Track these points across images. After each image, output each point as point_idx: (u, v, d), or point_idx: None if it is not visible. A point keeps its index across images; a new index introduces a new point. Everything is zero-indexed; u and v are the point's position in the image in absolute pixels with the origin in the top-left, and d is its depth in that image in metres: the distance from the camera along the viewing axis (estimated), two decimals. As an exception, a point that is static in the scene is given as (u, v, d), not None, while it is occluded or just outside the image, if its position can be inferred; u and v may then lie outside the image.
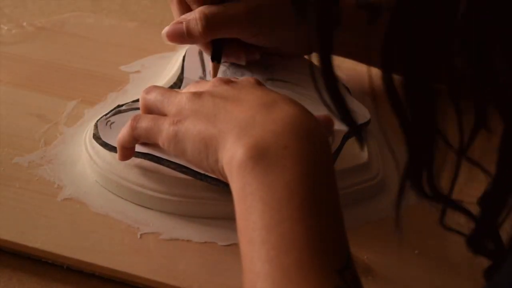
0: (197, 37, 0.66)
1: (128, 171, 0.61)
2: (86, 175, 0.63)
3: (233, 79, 0.60)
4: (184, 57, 0.73)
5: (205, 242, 0.59)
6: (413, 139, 0.45)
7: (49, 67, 0.77)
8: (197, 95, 0.57)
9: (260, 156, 0.50)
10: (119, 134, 0.60)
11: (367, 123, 0.68)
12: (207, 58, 0.73)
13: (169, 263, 0.57)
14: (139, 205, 0.61)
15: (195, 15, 0.66)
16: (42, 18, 0.85)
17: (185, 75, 0.71)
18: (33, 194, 0.62)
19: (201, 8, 0.66)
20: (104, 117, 0.65)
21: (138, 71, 0.77)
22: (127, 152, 0.60)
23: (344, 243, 0.50)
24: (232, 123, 0.53)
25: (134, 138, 0.59)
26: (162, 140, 0.57)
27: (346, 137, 0.65)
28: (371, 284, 0.57)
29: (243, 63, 0.72)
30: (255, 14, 0.67)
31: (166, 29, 0.67)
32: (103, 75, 0.76)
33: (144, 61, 0.79)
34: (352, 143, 0.65)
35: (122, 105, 0.67)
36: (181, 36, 0.66)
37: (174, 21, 0.67)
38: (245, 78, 0.60)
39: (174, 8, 0.69)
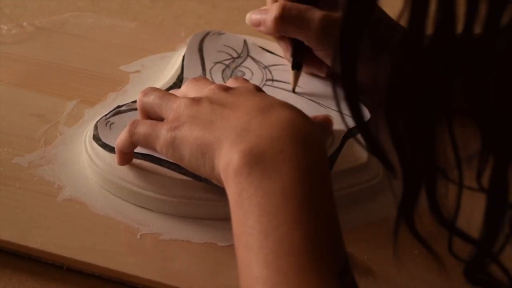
0: (268, 26, 0.67)
1: (128, 172, 0.61)
2: (86, 175, 0.63)
3: (232, 86, 0.59)
4: (184, 57, 0.73)
5: (205, 243, 0.59)
6: (412, 175, 0.46)
7: (49, 67, 0.77)
8: (196, 101, 0.56)
9: (255, 162, 0.50)
10: (117, 140, 0.60)
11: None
12: (207, 58, 0.73)
13: (168, 263, 0.57)
14: (139, 206, 0.61)
15: (275, 5, 0.67)
16: (42, 18, 0.85)
17: (185, 75, 0.71)
18: (33, 194, 0.62)
19: (284, 1, 0.67)
20: (104, 117, 0.65)
21: (138, 71, 0.77)
22: (126, 157, 0.60)
23: (342, 247, 0.50)
24: (228, 130, 0.53)
25: (132, 143, 0.59)
26: (159, 146, 0.57)
27: (346, 137, 0.65)
28: (371, 284, 0.57)
29: (323, 74, 0.71)
30: (330, 26, 0.66)
31: (252, 12, 0.70)
32: (103, 75, 0.76)
33: (144, 61, 0.79)
34: (352, 143, 0.65)
35: (122, 106, 0.67)
36: (258, 22, 0.69)
37: (262, 7, 0.69)
38: (245, 85, 0.60)
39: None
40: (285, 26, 0.67)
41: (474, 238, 0.47)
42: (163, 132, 0.56)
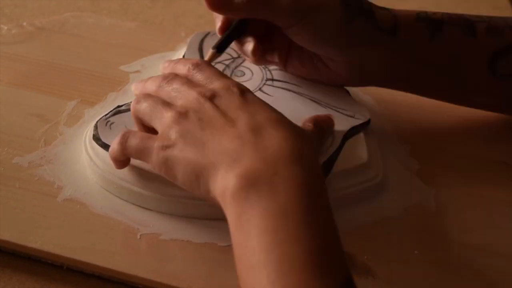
0: (238, 8, 0.64)
1: (128, 172, 0.61)
2: (86, 175, 0.63)
3: (215, 89, 0.58)
4: (183, 57, 0.73)
5: (205, 243, 0.59)
6: None
7: (49, 67, 0.77)
8: (183, 115, 0.56)
9: (252, 184, 0.51)
10: (110, 148, 0.60)
11: (367, 123, 0.68)
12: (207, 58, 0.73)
13: (168, 263, 0.57)
14: (139, 206, 0.61)
15: None
16: (42, 18, 0.85)
17: (185, 75, 0.71)
18: (33, 194, 0.62)
19: None
20: (104, 117, 0.65)
21: (138, 71, 0.77)
22: (121, 162, 0.60)
23: (343, 259, 0.50)
24: (222, 154, 0.53)
25: (125, 154, 0.59)
26: (152, 164, 0.57)
27: (346, 137, 0.65)
28: (371, 284, 0.57)
29: (282, 67, 0.70)
30: (296, 2, 0.64)
31: None
32: (103, 75, 0.76)
33: (144, 61, 0.79)
34: (352, 143, 0.66)
35: (121, 106, 0.67)
36: (225, 4, 0.65)
37: None
38: (228, 85, 0.58)
39: None
40: (253, 7, 0.65)
41: None
42: (155, 150, 0.56)
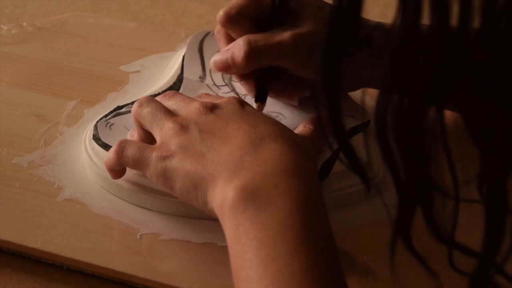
0: (241, 64, 0.64)
1: (128, 172, 0.61)
2: (86, 175, 0.63)
3: (216, 102, 0.59)
4: (184, 57, 0.73)
5: (205, 243, 0.59)
6: (407, 194, 0.46)
7: (49, 67, 0.77)
8: (184, 128, 0.56)
9: (251, 197, 0.51)
10: (105, 158, 0.60)
11: (367, 124, 0.68)
12: (207, 58, 0.73)
13: (168, 263, 0.57)
14: (138, 206, 0.61)
15: (239, 42, 0.64)
16: (42, 18, 0.85)
17: (184, 75, 0.71)
18: (33, 194, 0.62)
19: (246, 36, 0.64)
20: (104, 118, 0.65)
21: (138, 71, 0.77)
22: (117, 172, 0.60)
23: (340, 273, 0.50)
24: (221, 166, 0.53)
25: (121, 164, 0.59)
26: (149, 174, 0.57)
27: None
28: (371, 284, 0.57)
29: (295, 103, 0.68)
30: (301, 41, 0.64)
31: (214, 57, 0.66)
32: (103, 75, 0.76)
33: (144, 61, 0.79)
34: (352, 143, 0.65)
35: (122, 107, 0.67)
36: (227, 64, 0.65)
37: (222, 50, 0.66)
38: (229, 99, 0.59)
39: (221, 40, 0.68)
40: (258, 59, 0.64)
41: (476, 251, 0.47)
42: (153, 160, 0.56)
